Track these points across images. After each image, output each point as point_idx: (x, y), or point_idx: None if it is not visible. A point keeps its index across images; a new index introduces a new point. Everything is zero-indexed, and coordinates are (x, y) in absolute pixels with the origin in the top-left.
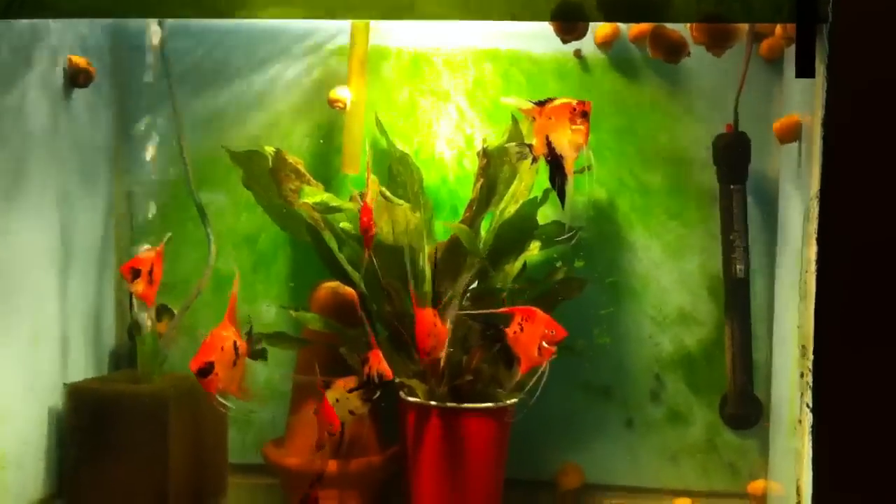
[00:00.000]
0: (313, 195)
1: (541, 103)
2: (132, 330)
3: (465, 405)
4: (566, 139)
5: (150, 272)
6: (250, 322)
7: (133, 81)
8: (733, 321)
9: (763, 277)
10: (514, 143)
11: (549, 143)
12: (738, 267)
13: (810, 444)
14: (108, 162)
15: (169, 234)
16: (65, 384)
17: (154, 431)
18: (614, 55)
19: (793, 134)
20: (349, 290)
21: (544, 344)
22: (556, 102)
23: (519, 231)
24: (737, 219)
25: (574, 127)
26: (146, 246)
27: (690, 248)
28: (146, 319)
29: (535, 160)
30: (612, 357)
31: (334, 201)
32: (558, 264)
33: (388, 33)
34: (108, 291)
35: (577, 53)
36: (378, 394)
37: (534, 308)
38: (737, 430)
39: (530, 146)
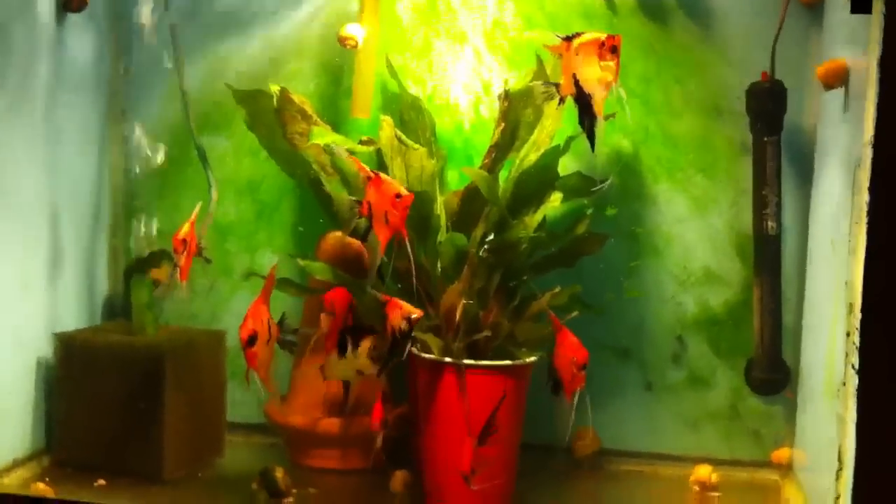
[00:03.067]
0: (322, 136)
1: (568, 38)
2: (127, 278)
3: (483, 362)
4: (595, 76)
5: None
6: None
7: (132, 15)
8: (763, 281)
9: (794, 236)
10: (539, 83)
11: (576, 82)
12: (769, 224)
13: (855, 407)
14: (104, 100)
15: (200, 203)
16: (54, 333)
17: (148, 385)
18: None
19: (839, 79)
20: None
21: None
22: (584, 37)
23: (539, 181)
24: (770, 173)
25: (603, 63)
26: None
27: (718, 204)
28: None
29: (562, 100)
30: (632, 317)
31: (346, 143)
32: (588, 211)
33: None
34: (102, 237)
35: None
36: (408, 346)
37: (567, 331)
38: (763, 395)
39: (557, 85)
